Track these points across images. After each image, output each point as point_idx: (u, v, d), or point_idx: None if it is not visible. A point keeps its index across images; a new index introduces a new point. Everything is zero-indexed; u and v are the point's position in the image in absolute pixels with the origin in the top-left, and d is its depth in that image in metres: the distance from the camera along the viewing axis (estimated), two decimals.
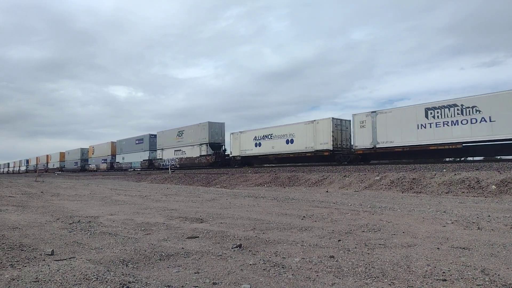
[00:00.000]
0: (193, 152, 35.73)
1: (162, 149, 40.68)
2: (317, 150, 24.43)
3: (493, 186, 10.67)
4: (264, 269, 3.52)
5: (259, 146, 28.95)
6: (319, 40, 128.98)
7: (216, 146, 34.55)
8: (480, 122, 17.14)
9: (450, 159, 20.57)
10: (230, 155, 32.00)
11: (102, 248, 4.40)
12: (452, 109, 18.06)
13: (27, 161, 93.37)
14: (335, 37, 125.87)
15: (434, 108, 18.74)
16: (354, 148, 22.51)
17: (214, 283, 3.14)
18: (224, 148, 34.67)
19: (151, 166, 42.38)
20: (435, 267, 3.50)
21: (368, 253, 4.07)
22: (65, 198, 12.27)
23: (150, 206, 9.43)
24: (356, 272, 3.40)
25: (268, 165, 29.73)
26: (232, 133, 31.96)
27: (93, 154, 59.54)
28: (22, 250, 4.27)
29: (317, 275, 3.33)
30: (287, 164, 27.76)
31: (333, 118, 23.84)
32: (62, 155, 73.50)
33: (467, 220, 6.14)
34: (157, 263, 3.78)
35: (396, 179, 13.37)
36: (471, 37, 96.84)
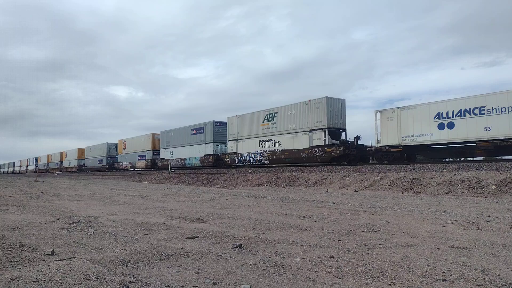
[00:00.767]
0: (297, 142, 25.27)
1: (237, 139, 30.43)
2: None
3: (493, 186, 10.66)
4: (264, 269, 3.52)
5: (449, 128, 18.68)
6: (320, 40, 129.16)
7: (337, 134, 24.15)
8: None
9: (450, 159, 20.40)
10: (376, 145, 21.40)
11: (102, 248, 4.40)
12: None
13: (36, 160, 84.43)
14: (336, 37, 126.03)
15: None
16: None
17: (214, 283, 3.14)
18: (345, 137, 24.31)
19: (219, 163, 32.15)
20: (435, 267, 3.50)
21: (368, 253, 4.07)
22: (65, 198, 12.27)
23: (150, 206, 9.43)
24: (356, 272, 3.40)
25: (473, 158, 19.40)
26: (382, 111, 21.09)
27: (125, 149, 49.72)
28: (22, 250, 4.27)
29: (317, 275, 3.33)
30: None
31: None
32: (81, 152, 64.05)
33: (467, 220, 6.14)
34: (157, 263, 3.78)
35: (396, 179, 13.37)
36: (471, 37, 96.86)
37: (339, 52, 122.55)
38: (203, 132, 34.45)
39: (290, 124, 26.03)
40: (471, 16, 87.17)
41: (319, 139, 23.88)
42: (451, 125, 18.70)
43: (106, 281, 3.05)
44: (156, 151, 42.73)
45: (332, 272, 3.40)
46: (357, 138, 23.07)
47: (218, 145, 33.12)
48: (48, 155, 79.06)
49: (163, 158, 40.11)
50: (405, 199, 10.24)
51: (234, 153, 30.58)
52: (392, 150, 20.81)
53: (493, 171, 12.04)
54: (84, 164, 62.18)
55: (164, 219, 6.88)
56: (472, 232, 5.23)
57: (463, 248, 4.23)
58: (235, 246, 4.45)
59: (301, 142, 25.06)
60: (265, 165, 28.24)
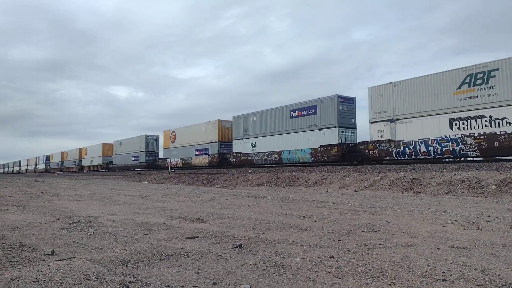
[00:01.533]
0: None
1: (393, 120, 19.28)
2: None
3: (493, 186, 10.66)
4: (264, 269, 3.52)
5: None
6: (320, 40, 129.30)
7: None
8: None
9: (450, 159, 20.25)
10: None
11: (102, 248, 4.40)
12: None
13: (47, 158, 74.16)
14: (336, 37, 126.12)
15: None
16: None
17: (214, 283, 3.14)
18: None
19: (351, 157, 22.22)
20: (435, 267, 3.50)
21: (368, 253, 4.07)
22: (65, 198, 12.27)
23: (150, 206, 9.43)
24: (356, 272, 3.40)
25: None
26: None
27: (173, 142, 39.06)
28: (22, 250, 4.27)
29: (317, 275, 3.33)
30: None
31: None
32: (106, 147, 52.92)
33: (467, 220, 6.14)
34: (157, 263, 3.78)
35: (396, 179, 13.37)
36: (472, 37, 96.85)
37: (339, 52, 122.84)
38: (315, 113, 24.05)
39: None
40: (471, 16, 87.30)
41: None
42: None
43: (106, 281, 3.05)
44: (224, 143, 32.96)
45: (332, 272, 3.40)
46: None
47: (343, 131, 22.96)
48: (62, 153, 69.16)
49: (239, 152, 29.93)
50: (405, 199, 10.24)
51: (389, 141, 19.30)
52: None
53: (493, 171, 12.04)
54: (111, 161, 51.82)
55: (164, 219, 6.88)
56: (472, 232, 5.23)
57: (463, 248, 4.23)
58: (235, 246, 4.45)
59: None
60: (469, 157, 17.01)
